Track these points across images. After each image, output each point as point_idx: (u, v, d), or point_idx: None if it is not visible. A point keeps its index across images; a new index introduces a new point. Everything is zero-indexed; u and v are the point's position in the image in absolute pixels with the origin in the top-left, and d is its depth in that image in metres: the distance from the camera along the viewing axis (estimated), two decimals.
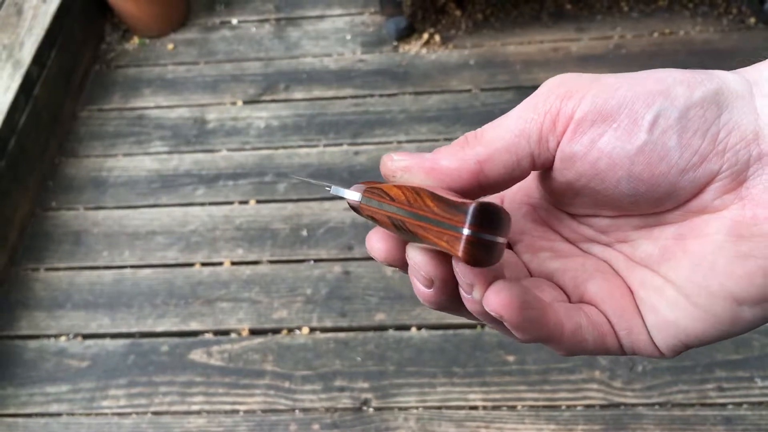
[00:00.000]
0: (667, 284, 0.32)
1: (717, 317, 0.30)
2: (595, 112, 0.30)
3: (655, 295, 0.32)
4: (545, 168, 0.32)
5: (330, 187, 0.35)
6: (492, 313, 0.30)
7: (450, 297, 0.32)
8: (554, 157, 0.31)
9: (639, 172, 0.30)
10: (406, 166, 0.32)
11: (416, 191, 0.30)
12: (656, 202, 0.31)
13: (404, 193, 0.30)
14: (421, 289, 0.32)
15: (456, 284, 0.31)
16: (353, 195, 0.33)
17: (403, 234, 0.31)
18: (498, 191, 0.33)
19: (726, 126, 0.29)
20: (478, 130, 0.32)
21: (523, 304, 0.30)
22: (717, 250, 0.30)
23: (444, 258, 0.30)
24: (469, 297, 0.30)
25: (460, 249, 0.27)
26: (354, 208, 0.34)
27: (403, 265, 0.33)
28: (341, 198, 0.34)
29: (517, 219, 0.37)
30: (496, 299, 0.29)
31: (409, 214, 0.29)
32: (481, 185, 0.32)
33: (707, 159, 0.29)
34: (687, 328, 0.31)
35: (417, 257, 0.31)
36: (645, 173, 0.30)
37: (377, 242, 0.33)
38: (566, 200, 0.34)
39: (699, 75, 0.30)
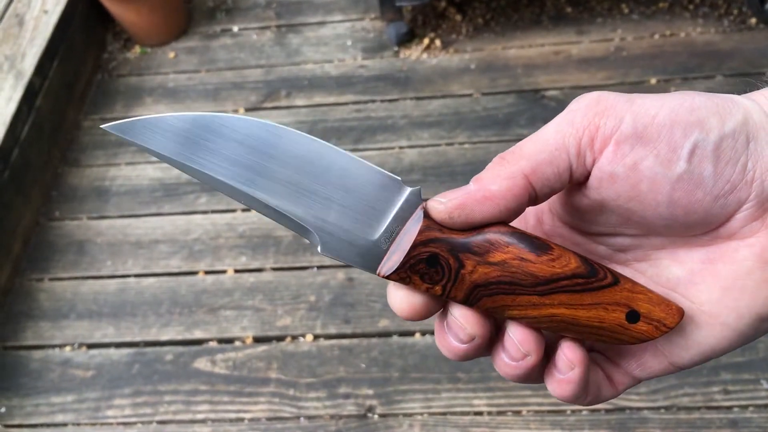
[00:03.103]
0: (694, 306, 0.34)
1: (742, 334, 0.33)
2: (635, 136, 0.31)
3: (685, 318, 0.34)
4: (578, 183, 0.33)
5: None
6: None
7: (481, 350, 0.35)
8: (589, 173, 0.33)
9: (678, 197, 0.32)
10: (460, 203, 0.32)
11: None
12: (690, 226, 0.33)
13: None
14: (454, 344, 0.34)
15: (487, 344, 0.35)
16: None
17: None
18: (537, 204, 0.34)
19: (753, 156, 0.31)
20: (513, 147, 0.33)
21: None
22: (746, 275, 0.32)
23: (486, 319, 0.34)
24: (517, 363, 0.34)
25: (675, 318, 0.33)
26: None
27: (425, 318, 0.35)
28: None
29: None
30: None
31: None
32: (530, 199, 0.33)
33: (737, 188, 0.31)
34: (714, 346, 0.34)
35: (462, 317, 0.34)
36: (683, 199, 0.32)
37: (406, 300, 0.34)
38: (590, 217, 0.35)
39: (726, 103, 0.32)
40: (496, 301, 0.33)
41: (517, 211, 0.33)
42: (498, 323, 0.35)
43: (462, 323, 0.33)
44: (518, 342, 0.33)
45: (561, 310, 0.33)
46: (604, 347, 0.37)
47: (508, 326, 0.34)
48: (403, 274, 0.33)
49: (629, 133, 0.31)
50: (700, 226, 0.33)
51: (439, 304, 0.35)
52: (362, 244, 0.34)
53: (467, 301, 0.33)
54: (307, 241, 0.34)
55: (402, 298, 0.34)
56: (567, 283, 0.33)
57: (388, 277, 0.34)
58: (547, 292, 0.33)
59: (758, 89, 0.34)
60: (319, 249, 0.34)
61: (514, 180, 0.32)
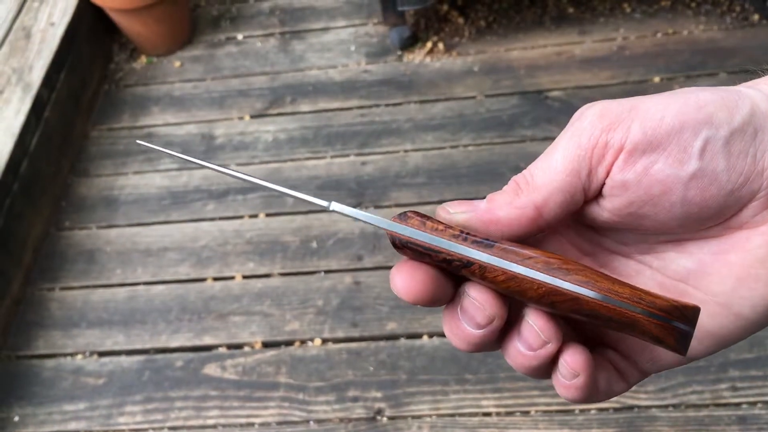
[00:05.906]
0: (707, 298, 0.33)
1: (756, 323, 0.33)
2: (645, 142, 0.31)
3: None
4: (594, 196, 0.34)
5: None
6: (569, 370, 0.33)
7: (495, 338, 0.34)
8: (603, 185, 0.33)
9: (692, 196, 0.31)
10: (467, 219, 0.33)
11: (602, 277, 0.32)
12: (704, 221, 0.33)
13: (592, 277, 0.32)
14: (469, 331, 0.33)
15: (501, 333, 0.33)
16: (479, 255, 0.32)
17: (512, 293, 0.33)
18: (551, 227, 0.34)
19: (761, 146, 0.31)
20: (527, 172, 0.33)
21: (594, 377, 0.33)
22: (759, 263, 0.32)
23: (504, 299, 0.33)
24: (535, 353, 0.33)
25: (675, 343, 0.31)
26: (394, 241, 0.34)
27: (431, 302, 0.33)
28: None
29: (537, 236, 0.38)
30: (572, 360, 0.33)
31: (600, 297, 0.31)
32: (539, 228, 0.33)
33: (750, 179, 0.31)
34: (728, 336, 0.33)
35: (479, 296, 0.33)
36: (698, 197, 0.31)
37: (408, 280, 0.33)
38: (601, 222, 0.35)
39: (732, 96, 0.32)
40: (521, 238, 0.33)
41: (521, 238, 0.33)
42: (514, 309, 0.34)
43: (480, 303, 0.32)
44: (539, 329, 0.32)
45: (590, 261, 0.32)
46: (615, 340, 0.36)
47: (526, 313, 0.33)
48: (421, 214, 0.33)
49: (638, 141, 0.31)
50: (713, 220, 0.33)
51: (450, 287, 0.34)
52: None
53: (488, 239, 0.32)
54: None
55: (409, 275, 0.33)
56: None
57: (406, 220, 0.33)
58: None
59: (759, 77, 0.34)
60: (330, 206, 0.34)
61: (523, 211, 0.33)
